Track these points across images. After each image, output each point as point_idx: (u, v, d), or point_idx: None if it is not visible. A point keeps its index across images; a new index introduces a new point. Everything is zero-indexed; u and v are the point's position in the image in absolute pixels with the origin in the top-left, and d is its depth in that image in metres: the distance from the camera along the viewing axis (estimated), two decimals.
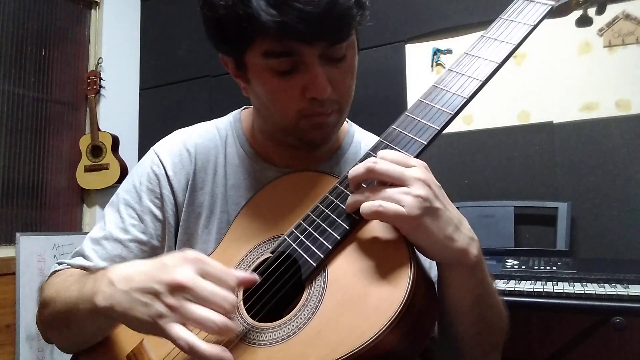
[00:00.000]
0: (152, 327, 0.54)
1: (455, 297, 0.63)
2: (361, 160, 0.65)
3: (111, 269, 0.61)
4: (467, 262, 0.59)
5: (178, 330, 0.53)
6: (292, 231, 0.64)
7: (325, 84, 0.66)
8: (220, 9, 0.63)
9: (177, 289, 0.54)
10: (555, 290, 1.27)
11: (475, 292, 0.62)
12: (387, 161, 0.58)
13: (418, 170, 0.57)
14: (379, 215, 0.56)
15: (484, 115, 1.95)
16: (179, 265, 0.56)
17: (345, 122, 0.87)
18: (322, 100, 0.68)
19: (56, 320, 0.70)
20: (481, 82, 0.64)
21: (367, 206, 0.56)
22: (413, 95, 2.13)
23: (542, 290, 1.28)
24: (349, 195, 0.62)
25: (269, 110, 0.73)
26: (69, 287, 0.68)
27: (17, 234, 2.25)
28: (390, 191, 0.56)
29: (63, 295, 0.67)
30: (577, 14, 0.73)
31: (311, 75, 0.66)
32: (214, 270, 0.56)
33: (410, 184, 0.56)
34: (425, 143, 0.62)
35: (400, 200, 0.55)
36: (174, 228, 0.80)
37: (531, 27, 0.67)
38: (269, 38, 0.63)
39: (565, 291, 1.26)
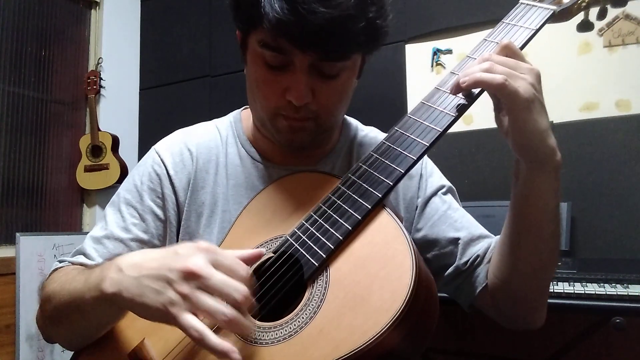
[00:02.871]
0: (162, 314, 0.54)
1: (541, 202, 0.65)
2: (361, 160, 0.66)
3: (119, 257, 0.61)
4: (555, 161, 0.63)
5: (190, 319, 0.53)
6: (295, 231, 0.65)
7: (303, 93, 0.68)
8: None
9: (189, 277, 0.54)
10: (555, 290, 1.27)
11: (556, 199, 0.65)
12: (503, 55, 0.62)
13: (531, 66, 0.62)
14: (502, 88, 0.59)
15: (484, 115, 1.93)
16: (191, 254, 0.56)
17: (344, 118, 0.88)
18: (298, 106, 0.69)
19: (60, 314, 0.69)
20: None
21: (492, 77, 0.59)
22: (413, 95, 2.13)
23: None
24: (351, 195, 0.62)
25: (254, 96, 0.76)
26: (74, 278, 0.67)
27: (17, 234, 2.24)
28: (510, 71, 0.60)
29: (67, 287, 0.67)
30: (578, 19, 0.73)
31: (293, 79, 0.68)
32: (226, 261, 0.56)
33: (525, 73, 0.60)
34: (428, 145, 0.63)
35: (518, 82, 0.59)
36: (176, 227, 0.80)
37: (533, 31, 0.68)
38: (267, 30, 0.65)
39: (565, 291, 1.26)
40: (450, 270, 0.78)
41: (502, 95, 0.60)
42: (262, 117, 0.76)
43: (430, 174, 0.87)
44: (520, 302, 0.72)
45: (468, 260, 0.78)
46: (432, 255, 0.80)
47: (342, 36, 0.64)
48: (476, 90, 0.64)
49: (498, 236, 0.78)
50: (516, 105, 0.59)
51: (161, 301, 0.54)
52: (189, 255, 0.56)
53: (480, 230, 0.81)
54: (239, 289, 0.54)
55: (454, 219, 0.82)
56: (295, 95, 0.68)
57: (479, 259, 0.78)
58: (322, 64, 0.68)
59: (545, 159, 0.63)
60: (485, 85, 0.61)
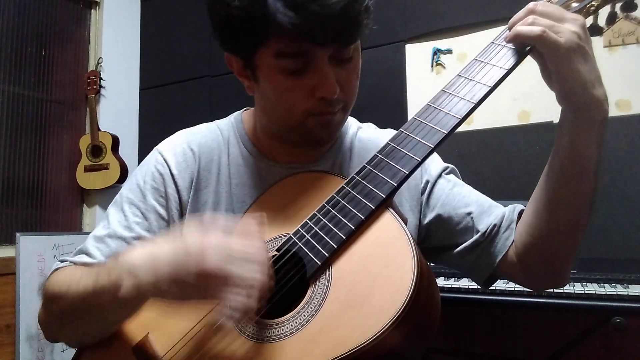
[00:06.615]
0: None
1: (583, 155, 0.65)
2: (367, 161, 0.66)
3: (127, 257, 0.60)
4: (602, 113, 0.62)
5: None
6: (299, 230, 0.65)
7: (334, 85, 0.69)
8: (234, 9, 0.65)
9: (209, 279, 0.54)
10: (555, 291, 1.27)
11: (599, 151, 0.65)
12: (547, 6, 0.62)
13: (577, 16, 0.62)
14: (540, 39, 0.60)
15: (484, 115, 1.95)
16: (203, 252, 0.55)
17: None
18: (331, 100, 0.70)
19: (69, 315, 0.69)
20: (490, 88, 0.65)
21: (530, 29, 0.60)
22: (413, 95, 2.12)
23: None
24: (355, 195, 0.63)
25: (275, 109, 0.75)
26: (80, 280, 0.67)
27: (17, 234, 2.25)
28: (551, 22, 0.60)
29: (75, 289, 0.67)
30: (587, 22, 0.73)
31: (321, 76, 0.68)
32: (238, 254, 0.56)
33: (569, 22, 0.60)
34: (433, 146, 0.64)
35: (559, 32, 0.59)
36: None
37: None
38: (283, 39, 0.65)
39: (565, 291, 1.26)
40: (468, 243, 0.78)
41: (543, 47, 0.61)
42: (289, 126, 0.75)
43: (432, 160, 0.88)
44: (552, 260, 0.73)
45: (485, 231, 0.78)
46: (449, 231, 0.81)
47: (354, 19, 0.65)
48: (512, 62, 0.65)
49: (510, 206, 0.80)
50: (557, 55, 0.60)
51: (182, 298, 0.58)
52: (201, 254, 0.55)
53: (490, 201, 0.82)
54: (256, 278, 0.55)
55: (462, 195, 0.83)
56: (327, 90, 0.69)
57: (496, 229, 0.78)
58: (339, 52, 0.70)
59: (590, 110, 0.62)
60: (524, 38, 0.62)
